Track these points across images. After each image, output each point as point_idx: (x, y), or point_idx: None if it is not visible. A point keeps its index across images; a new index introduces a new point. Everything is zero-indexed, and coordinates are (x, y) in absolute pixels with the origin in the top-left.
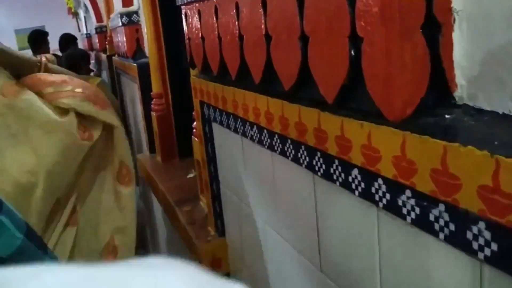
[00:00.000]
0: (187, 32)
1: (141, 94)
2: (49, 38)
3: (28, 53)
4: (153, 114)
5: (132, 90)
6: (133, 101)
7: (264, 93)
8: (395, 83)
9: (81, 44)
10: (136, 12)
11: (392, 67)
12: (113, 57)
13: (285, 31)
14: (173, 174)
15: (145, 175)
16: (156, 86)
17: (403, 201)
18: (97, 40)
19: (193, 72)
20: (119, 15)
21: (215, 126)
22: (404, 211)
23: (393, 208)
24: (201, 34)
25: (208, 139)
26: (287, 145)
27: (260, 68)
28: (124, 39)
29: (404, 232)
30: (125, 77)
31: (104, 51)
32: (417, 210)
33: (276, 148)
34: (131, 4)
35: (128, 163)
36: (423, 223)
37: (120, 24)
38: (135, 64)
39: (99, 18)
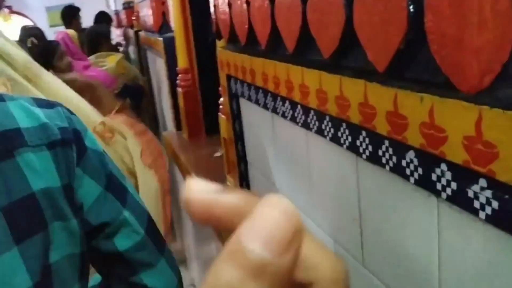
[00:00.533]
0: None
1: (167, 70)
2: (80, 14)
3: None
4: (179, 90)
5: (158, 65)
6: (159, 77)
7: (298, 64)
8: (471, 44)
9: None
10: None
11: (466, 23)
12: (140, 33)
13: None
14: (200, 152)
15: (171, 152)
16: (182, 61)
17: (474, 193)
18: (124, 16)
19: (219, 43)
20: None
21: (243, 102)
22: (476, 204)
23: (461, 201)
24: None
25: (235, 116)
26: (325, 122)
27: (295, 35)
28: (150, 12)
29: (475, 230)
30: (151, 52)
31: (132, 27)
32: (495, 204)
33: (311, 126)
34: None
35: None
36: (501, 220)
37: None
38: (161, 39)
39: None
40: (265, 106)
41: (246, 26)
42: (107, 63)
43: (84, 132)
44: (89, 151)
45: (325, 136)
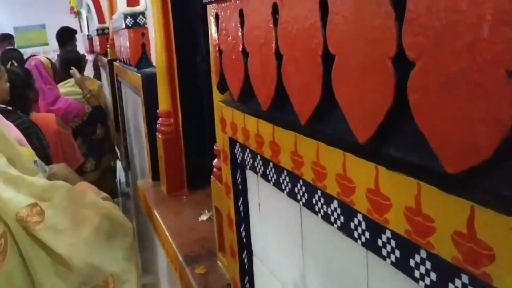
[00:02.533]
0: (217, 41)
1: (145, 111)
2: (50, 37)
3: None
4: (159, 135)
5: (134, 103)
6: (136, 117)
7: (344, 148)
8: None
9: (82, 45)
10: (143, 13)
11: None
12: (115, 63)
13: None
14: (181, 213)
15: (144, 207)
16: (163, 103)
17: None
18: (98, 43)
19: (217, 95)
20: (122, 16)
21: (251, 176)
22: None
23: None
24: (244, 46)
25: (240, 192)
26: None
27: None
28: (128, 43)
29: None
30: (128, 87)
31: (105, 55)
32: None
33: (363, 235)
34: (137, 3)
35: None
36: None
37: (124, 26)
38: (139, 74)
39: (101, 19)
40: (292, 195)
41: (274, 85)
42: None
43: None
44: None
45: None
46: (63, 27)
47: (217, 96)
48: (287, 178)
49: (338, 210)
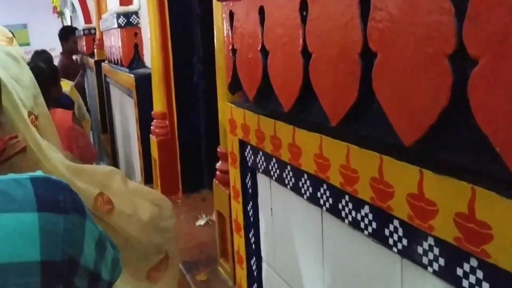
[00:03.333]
0: (230, 40)
1: (138, 112)
2: (32, 37)
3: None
4: (153, 137)
5: (125, 105)
6: (126, 119)
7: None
8: None
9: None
10: (136, 13)
11: None
12: (103, 64)
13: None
14: (177, 217)
15: None
16: (158, 104)
17: None
18: (84, 43)
19: (224, 97)
20: (115, 15)
21: (263, 180)
22: None
23: None
24: (264, 44)
25: (249, 196)
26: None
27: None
28: (120, 44)
29: None
30: (117, 88)
31: (92, 55)
32: None
33: (399, 242)
34: (130, 2)
35: None
36: None
37: (116, 25)
38: (132, 75)
39: (87, 18)
40: (313, 200)
41: (299, 85)
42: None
43: None
44: None
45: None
46: (63, 26)
47: (223, 96)
48: (308, 182)
49: (370, 216)
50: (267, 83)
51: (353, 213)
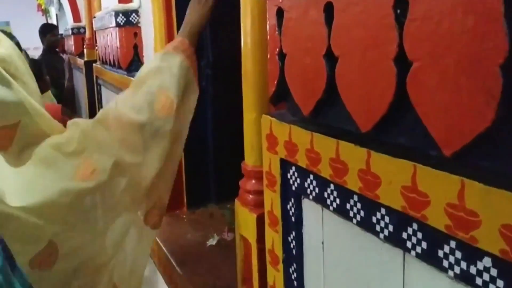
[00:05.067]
0: (278, 43)
1: None
2: (14, 35)
3: None
4: None
5: None
6: None
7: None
8: None
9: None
10: (136, 11)
11: None
12: (94, 64)
13: None
14: (184, 235)
15: None
16: None
17: None
18: (72, 42)
19: (253, 107)
20: (112, 14)
21: (312, 208)
22: None
23: None
24: (331, 49)
25: (292, 225)
26: None
27: None
28: (118, 44)
29: None
30: (113, 91)
31: (81, 55)
32: None
33: None
34: (130, 0)
35: None
36: None
37: (114, 24)
38: (131, 78)
39: (76, 17)
40: (392, 240)
41: (390, 100)
42: None
43: None
44: None
45: None
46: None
47: (252, 107)
48: (386, 218)
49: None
50: (332, 95)
51: (463, 264)
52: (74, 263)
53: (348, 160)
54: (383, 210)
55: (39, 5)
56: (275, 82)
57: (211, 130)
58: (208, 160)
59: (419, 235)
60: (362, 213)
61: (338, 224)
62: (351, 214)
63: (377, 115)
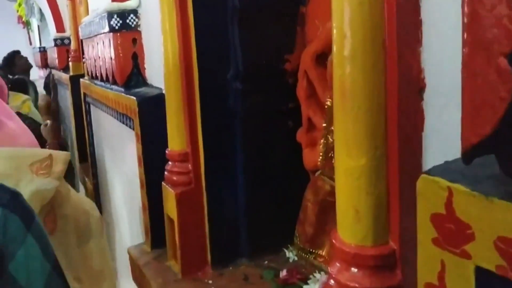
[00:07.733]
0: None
1: (143, 151)
2: None
3: None
4: (168, 188)
5: (120, 136)
6: (121, 154)
7: None
8: None
9: (33, 60)
10: (135, 12)
11: None
12: (82, 80)
13: None
14: None
15: None
16: (176, 140)
17: None
18: (55, 55)
19: (361, 147)
20: (105, 15)
21: None
22: None
23: None
24: None
25: None
26: None
27: None
28: (112, 54)
29: None
30: (106, 113)
31: (66, 70)
32: None
33: None
34: None
35: None
36: None
37: (107, 29)
38: (132, 97)
39: (60, 26)
40: None
41: None
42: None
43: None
44: None
45: None
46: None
47: (354, 148)
48: None
49: None
50: None
51: None
52: None
53: None
54: None
55: (20, 17)
56: (496, 118)
57: (242, 164)
58: (238, 205)
59: None
60: None
61: None
62: None
63: None
